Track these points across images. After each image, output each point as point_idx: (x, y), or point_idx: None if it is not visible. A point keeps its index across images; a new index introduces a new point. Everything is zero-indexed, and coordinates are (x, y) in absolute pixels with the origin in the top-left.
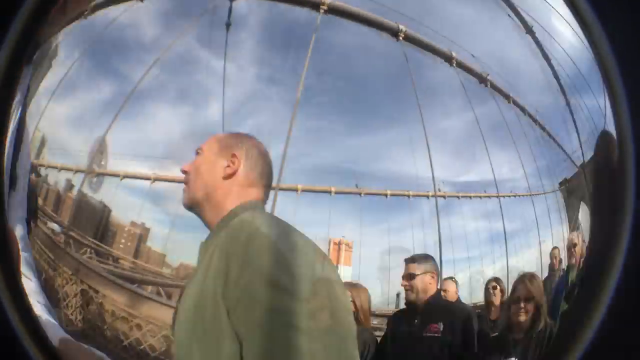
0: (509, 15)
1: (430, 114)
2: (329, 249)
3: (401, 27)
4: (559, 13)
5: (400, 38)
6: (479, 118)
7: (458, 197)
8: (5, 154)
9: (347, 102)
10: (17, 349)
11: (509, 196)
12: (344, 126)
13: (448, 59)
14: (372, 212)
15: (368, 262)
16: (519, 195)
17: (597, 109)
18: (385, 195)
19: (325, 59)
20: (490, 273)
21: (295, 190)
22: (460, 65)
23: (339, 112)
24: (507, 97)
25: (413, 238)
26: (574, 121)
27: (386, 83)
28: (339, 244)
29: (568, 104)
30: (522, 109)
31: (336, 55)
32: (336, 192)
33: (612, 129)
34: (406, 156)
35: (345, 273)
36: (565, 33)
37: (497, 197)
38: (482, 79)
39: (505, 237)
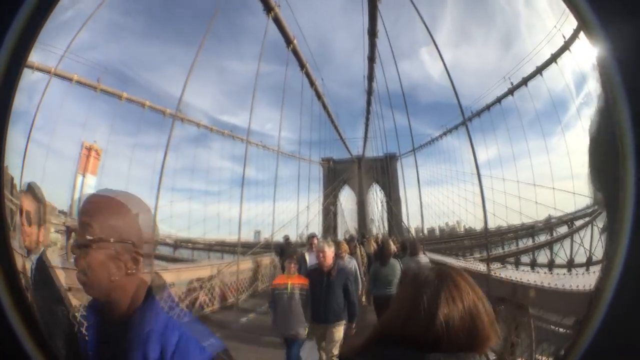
0: None
1: (224, 50)
2: (79, 153)
3: None
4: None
5: None
6: (261, 73)
7: (211, 129)
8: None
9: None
10: (17, 349)
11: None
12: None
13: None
14: (126, 120)
15: (112, 176)
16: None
17: None
18: (143, 105)
19: None
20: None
21: (70, 79)
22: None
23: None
24: (302, 65)
25: (155, 159)
26: None
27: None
28: (89, 149)
29: None
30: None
31: None
32: (101, 90)
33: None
34: (180, 79)
35: (89, 182)
36: None
37: (244, 140)
38: (288, 41)
39: (244, 181)
